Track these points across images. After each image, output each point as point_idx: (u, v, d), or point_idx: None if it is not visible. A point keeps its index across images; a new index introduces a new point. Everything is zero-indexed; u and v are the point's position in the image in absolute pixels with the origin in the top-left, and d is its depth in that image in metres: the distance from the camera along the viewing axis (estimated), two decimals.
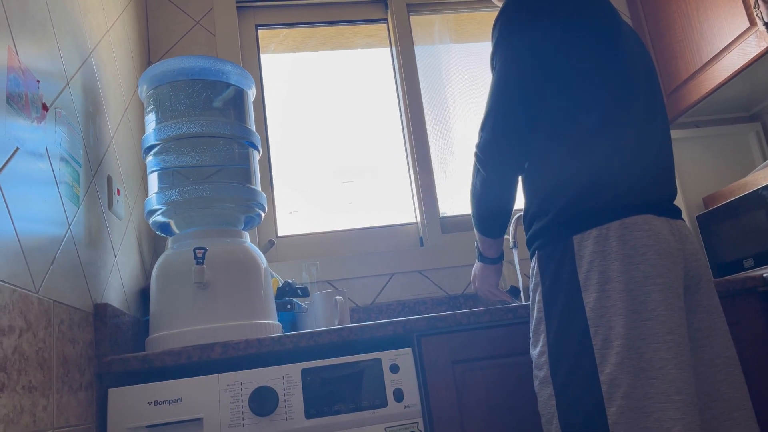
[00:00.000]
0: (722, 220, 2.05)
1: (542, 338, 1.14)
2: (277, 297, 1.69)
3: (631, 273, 1.05)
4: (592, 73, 1.15)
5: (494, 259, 1.44)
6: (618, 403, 1.01)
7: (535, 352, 1.16)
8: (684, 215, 2.22)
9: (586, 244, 1.09)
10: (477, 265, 1.49)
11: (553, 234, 1.14)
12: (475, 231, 1.38)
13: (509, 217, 1.31)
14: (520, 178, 1.27)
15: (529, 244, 1.22)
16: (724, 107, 2.28)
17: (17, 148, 0.96)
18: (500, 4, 1.36)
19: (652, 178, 1.15)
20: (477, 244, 1.44)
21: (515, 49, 1.19)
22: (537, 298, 1.16)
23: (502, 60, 1.21)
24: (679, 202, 2.25)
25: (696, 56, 2.05)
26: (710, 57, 1.98)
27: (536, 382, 1.15)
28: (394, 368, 1.31)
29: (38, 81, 1.07)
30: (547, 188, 1.17)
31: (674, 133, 2.31)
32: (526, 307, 1.39)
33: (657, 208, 1.12)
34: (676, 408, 0.98)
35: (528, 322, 1.38)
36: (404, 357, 1.33)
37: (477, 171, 1.28)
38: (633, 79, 1.18)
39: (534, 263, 1.19)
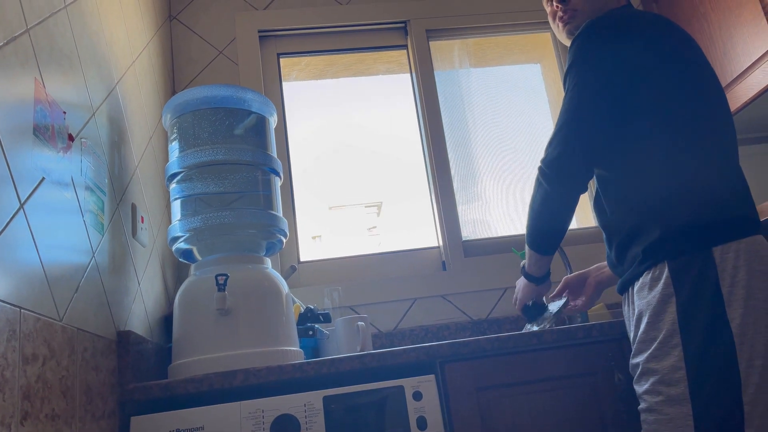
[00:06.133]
0: None
1: (677, 352, 1.08)
2: (298, 323, 1.69)
3: None
4: (675, 90, 1.17)
5: (539, 279, 1.43)
6: (756, 423, 1.00)
7: (659, 365, 1.10)
8: None
9: (728, 257, 1.08)
10: (521, 280, 1.48)
11: (688, 243, 1.11)
12: (527, 247, 1.38)
13: (563, 236, 1.31)
14: (600, 191, 1.28)
15: (649, 252, 1.16)
16: (749, 127, 2.24)
17: (43, 178, 0.98)
18: (566, 39, 1.41)
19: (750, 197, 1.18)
20: (523, 264, 1.44)
21: (592, 66, 1.21)
22: (668, 309, 1.11)
23: (577, 78, 1.22)
24: None
25: (720, 76, 2.02)
26: (734, 76, 1.95)
27: (657, 398, 1.10)
28: (417, 395, 1.29)
29: (64, 112, 1.10)
30: (664, 196, 1.15)
31: None
32: (551, 332, 1.36)
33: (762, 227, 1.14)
34: None
35: (562, 346, 1.36)
36: (427, 384, 1.31)
37: (539, 185, 1.28)
38: (711, 101, 1.20)
39: (660, 272, 1.13)
